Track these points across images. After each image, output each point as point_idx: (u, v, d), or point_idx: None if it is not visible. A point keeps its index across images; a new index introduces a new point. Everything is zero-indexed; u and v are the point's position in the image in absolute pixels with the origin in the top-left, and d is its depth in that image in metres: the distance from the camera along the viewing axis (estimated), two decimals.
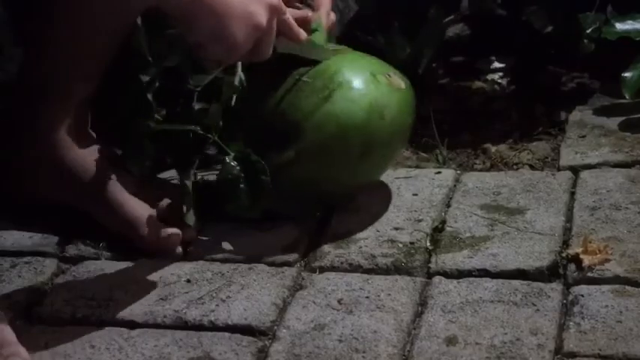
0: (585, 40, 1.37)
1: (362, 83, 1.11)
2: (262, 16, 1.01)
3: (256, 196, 1.11)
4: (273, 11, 1.02)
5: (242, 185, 1.11)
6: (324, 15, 1.18)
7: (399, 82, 1.14)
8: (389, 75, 1.13)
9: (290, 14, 1.09)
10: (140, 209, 1.13)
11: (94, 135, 1.18)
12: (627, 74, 1.32)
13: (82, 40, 1.11)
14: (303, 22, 1.14)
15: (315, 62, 1.13)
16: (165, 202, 1.15)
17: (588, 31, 1.36)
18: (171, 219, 1.13)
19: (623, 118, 1.33)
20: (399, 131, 1.14)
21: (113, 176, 1.14)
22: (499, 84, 1.45)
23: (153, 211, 1.13)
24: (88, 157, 1.15)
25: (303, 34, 1.09)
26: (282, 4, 1.05)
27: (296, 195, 1.15)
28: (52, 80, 1.14)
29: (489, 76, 1.46)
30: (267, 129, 1.13)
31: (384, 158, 1.15)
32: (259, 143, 1.12)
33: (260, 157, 1.10)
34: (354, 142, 1.10)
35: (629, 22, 1.34)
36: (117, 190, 1.14)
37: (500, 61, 1.48)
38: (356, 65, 1.13)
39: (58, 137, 1.15)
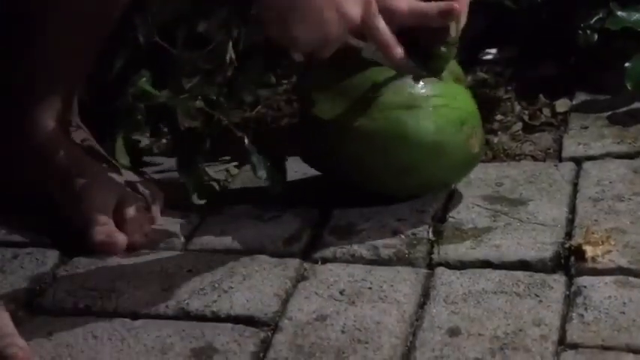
0: (588, 31, 1.37)
1: (446, 121, 1.10)
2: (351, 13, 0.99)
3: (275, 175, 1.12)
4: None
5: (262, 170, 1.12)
6: (462, 18, 1.06)
7: (475, 144, 1.12)
8: (473, 133, 1.11)
9: (418, 7, 1.05)
10: (100, 208, 1.12)
11: (81, 125, 1.18)
12: (629, 64, 1.31)
13: (72, 33, 1.11)
14: (444, 16, 1.05)
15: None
16: (129, 203, 1.13)
17: (592, 21, 1.36)
18: (130, 221, 1.12)
19: (626, 108, 1.32)
20: (438, 181, 1.13)
21: (87, 169, 1.14)
22: (501, 75, 1.45)
23: (109, 212, 1.12)
24: (67, 148, 1.15)
25: (398, 52, 1.04)
26: (375, 5, 1.01)
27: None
28: (39, 71, 1.14)
29: (491, 67, 1.46)
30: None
31: (414, 186, 1.13)
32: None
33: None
34: (398, 156, 1.09)
35: (632, 12, 1.34)
36: (86, 184, 1.13)
37: (502, 52, 1.48)
38: (457, 102, 1.11)
39: (42, 126, 1.15)
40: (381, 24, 1.03)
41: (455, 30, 1.08)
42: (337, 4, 0.99)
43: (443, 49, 1.09)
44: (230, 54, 1.20)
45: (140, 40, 1.19)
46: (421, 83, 1.10)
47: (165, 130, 1.31)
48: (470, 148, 1.12)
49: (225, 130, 1.23)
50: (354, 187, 1.15)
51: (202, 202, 1.18)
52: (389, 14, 1.06)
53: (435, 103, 1.10)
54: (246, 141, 1.11)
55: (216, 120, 1.13)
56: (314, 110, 1.12)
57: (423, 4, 1.07)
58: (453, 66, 1.13)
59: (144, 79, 1.16)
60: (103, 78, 1.23)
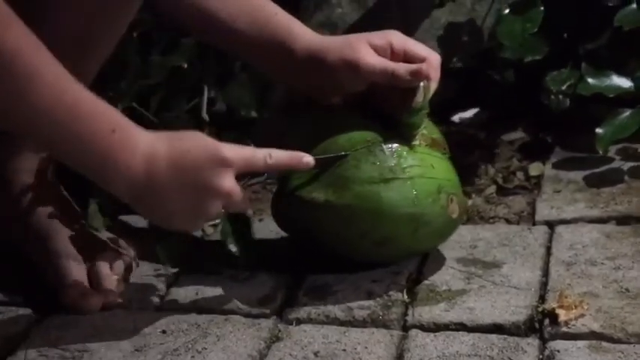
0: (560, 96, 1.39)
1: (423, 191, 1.09)
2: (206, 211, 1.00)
3: (245, 252, 1.12)
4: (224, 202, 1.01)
5: (231, 245, 1.13)
6: (433, 85, 1.09)
7: (455, 209, 1.11)
8: (452, 199, 1.11)
9: (386, 64, 1.07)
10: (74, 267, 1.12)
11: (56, 183, 1.18)
12: (601, 130, 1.33)
13: None
14: (412, 75, 1.08)
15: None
16: (104, 261, 1.13)
17: (563, 87, 1.38)
18: (104, 280, 1.12)
19: (597, 172, 1.34)
20: (418, 249, 1.14)
21: (62, 228, 1.14)
22: (475, 137, 1.46)
23: (84, 271, 1.12)
24: (40, 204, 1.15)
25: (305, 161, 1.05)
26: (238, 156, 1.01)
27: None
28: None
29: (465, 130, 1.48)
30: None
31: (395, 255, 1.14)
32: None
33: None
34: (376, 230, 1.09)
35: (603, 78, 1.36)
36: (60, 243, 1.13)
37: (476, 115, 1.49)
38: (432, 170, 1.10)
39: (18, 183, 1.15)
40: (263, 158, 1.03)
41: (422, 95, 1.08)
42: (203, 192, 0.99)
43: (411, 116, 1.10)
44: (204, 115, 1.21)
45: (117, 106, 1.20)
46: (395, 154, 1.09)
47: None
48: (449, 215, 1.11)
49: None
50: (332, 255, 1.15)
51: (175, 270, 1.17)
52: (354, 68, 1.08)
53: (410, 174, 1.09)
54: None
55: None
56: (290, 186, 1.11)
57: (392, 63, 1.09)
58: (428, 131, 1.13)
59: None
60: None
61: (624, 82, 1.35)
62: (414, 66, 1.08)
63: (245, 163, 1.01)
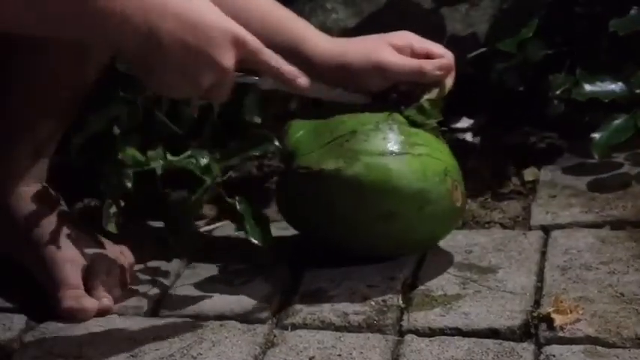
0: (555, 101, 1.39)
1: (431, 170, 1.11)
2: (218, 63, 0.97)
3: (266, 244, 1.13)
4: (236, 50, 0.98)
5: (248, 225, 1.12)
6: (449, 80, 1.14)
7: (459, 197, 1.13)
8: (456, 186, 1.13)
9: (414, 63, 1.11)
10: (69, 272, 1.12)
11: (49, 189, 1.18)
12: (596, 135, 1.33)
13: (43, 99, 1.11)
14: (442, 69, 1.12)
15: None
16: (99, 267, 1.13)
17: (558, 92, 1.38)
18: (100, 286, 1.12)
19: (593, 177, 1.34)
20: (421, 233, 1.14)
21: (56, 233, 1.14)
22: (470, 143, 1.46)
23: (79, 276, 1.11)
24: (35, 210, 1.15)
25: (302, 81, 1.03)
26: (254, 42, 1.00)
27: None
28: (10, 135, 1.14)
29: (460, 135, 1.48)
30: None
31: (399, 237, 1.13)
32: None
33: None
34: (383, 202, 1.10)
35: (598, 83, 1.36)
36: (55, 248, 1.13)
37: (472, 120, 1.49)
38: (440, 153, 1.12)
39: (11, 189, 1.15)
40: (271, 57, 1.02)
41: (445, 88, 1.13)
42: (202, 56, 0.97)
43: (427, 105, 1.12)
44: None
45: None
46: (404, 133, 1.11)
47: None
48: (453, 201, 1.12)
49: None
50: (331, 242, 1.15)
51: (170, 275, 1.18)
52: (382, 69, 1.11)
53: (420, 152, 1.11)
54: (238, 206, 1.12)
55: (208, 185, 1.14)
56: (297, 162, 1.12)
57: (418, 60, 1.12)
58: (436, 129, 1.15)
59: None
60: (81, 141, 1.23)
61: (619, 87, 1.36)
62: (439, 60, 1.12)
63: (255, 49, 1.00)
